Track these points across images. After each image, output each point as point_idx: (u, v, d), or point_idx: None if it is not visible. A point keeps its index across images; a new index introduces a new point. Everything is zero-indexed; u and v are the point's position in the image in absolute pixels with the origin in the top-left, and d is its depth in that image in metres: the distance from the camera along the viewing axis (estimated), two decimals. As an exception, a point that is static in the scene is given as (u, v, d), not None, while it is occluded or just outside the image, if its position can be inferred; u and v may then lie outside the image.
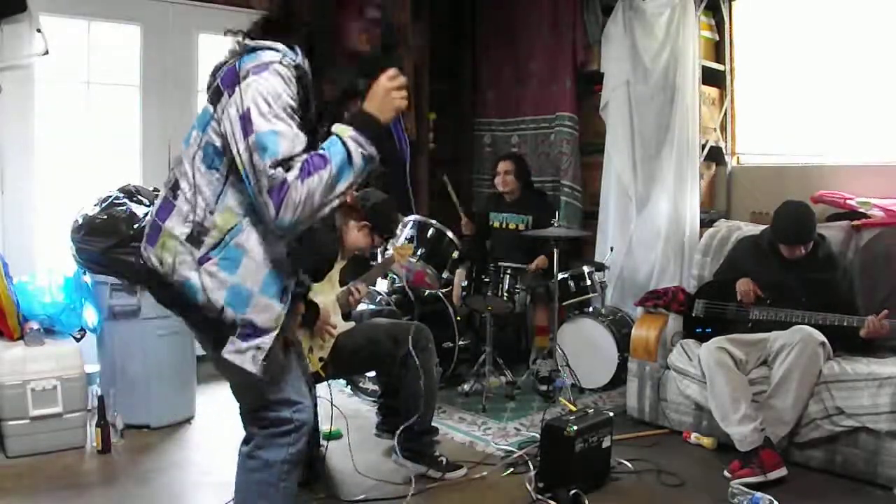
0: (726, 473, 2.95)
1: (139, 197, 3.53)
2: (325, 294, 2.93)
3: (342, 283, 3.07)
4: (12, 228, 3.84)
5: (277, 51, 1.75)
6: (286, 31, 1.80)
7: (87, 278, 3.46)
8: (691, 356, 3.38)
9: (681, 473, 3.01)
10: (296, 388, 1.93)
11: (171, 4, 4.31)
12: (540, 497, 2.77)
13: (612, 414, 2.96)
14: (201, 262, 1.76)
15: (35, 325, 3.31)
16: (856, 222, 3.54)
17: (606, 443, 2.90)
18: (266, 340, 1.80)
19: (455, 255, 4.22)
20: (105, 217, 3.37)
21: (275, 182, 1.65)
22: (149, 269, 1.85)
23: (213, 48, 4.51)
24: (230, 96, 1.72)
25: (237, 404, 1.98)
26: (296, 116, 1.73)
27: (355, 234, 3.06)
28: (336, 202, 1.73)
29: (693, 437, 3.38)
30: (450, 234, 4.20)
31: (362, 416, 3.67)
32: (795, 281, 3.26)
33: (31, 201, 3.92)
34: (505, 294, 3.96)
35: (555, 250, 3.95)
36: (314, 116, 1.85)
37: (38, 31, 3.75)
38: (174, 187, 1.83)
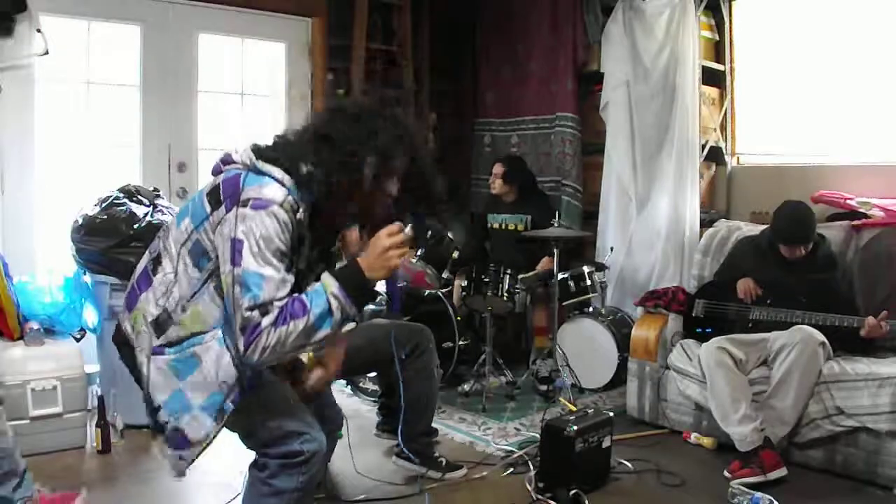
0: (726, 473, 2.95)
1: (139, 197, 3.55)
2: None
3: None
4: (12, 228, 3.84)
5: (283, 186, 1.75)
6: (306, 181, 1.78)
7: (87, 278, 3.46)
8: (691, 356, 3.38)
9: (681, 473, 3.01)
10: (299, 418, 1.91)
11: (171, 4, 4.31)
12: (540, 497, 2.77)
13: (612, 414, 2.96)
14: (154, 352, 1.79)
15: (35, 325, 3.31)
16: (856, 222, 3.54)
17: (606, 443, 2.90)
18: (191, 454, 1.81)
19: (455, 255, 4.22)
20: (105, 217, 3.38)
21: (248, 323, 1.67)
22: (122, 332, 1.90)
23: (213, 48, 4.53)
24: (227, 211, 1.73)
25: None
26: (285, 260, 1.73)
27: (354, 236, 3.02)
28: (311, 348, 1.77)
29: (693, 437, 3.38)
30: (449, 234, 4.20)
31: (362, 416, 3.67)
32: (795, 281, 3.26)
33: (31, 201, 3.92)
34: (505, 294, 3.97)
35: (555, 250, 3.95)
36: (310, 253, 1.87)
37: (38, 31, 3.75)
38: (157, 260, 1.85)
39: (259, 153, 1.83)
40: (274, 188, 1.74)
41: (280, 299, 1.69)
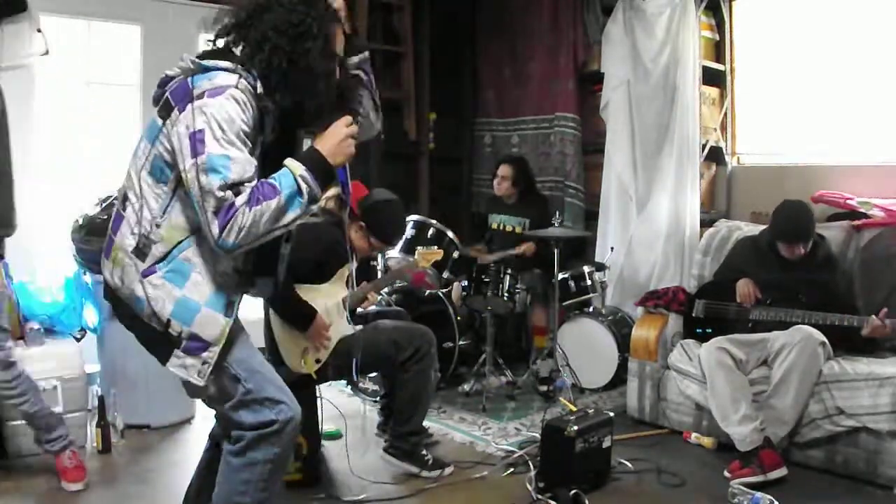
0: (726, 473, 2.95)
1: (139, 197, 3.54)
2: (331, 295, 2.90)
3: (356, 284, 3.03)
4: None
5: (234, 72, 1.74)
6: (249, 58, 1.77)
7: (87, 278, 3.46)
8: (691, 356, 3.38)
9: (681, 473, 3.02)
10: (277, 385, 1.91)
11: (171, 4, 4.30)
12: (540, 497, 2.77)
13: (612, 414, 2.96)
14: (145, 274, 1.78)
15: (35, 325, 3.31)
16: (856, 222, 3.54)
17: (606, 443, 2.90)
18: (211, 354, 1.81)
19: (455, 255, 4.22)
20: (105, 217, 3.35)
21: (223, 204, 1.67)
22: (105, 282, 1.88)
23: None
24: (180, 112, 1.72)
25: (214, 409, 1.98)
26: (248, 142, 1.73)
27: (354, 235, 3.02)
28: (279, 232, 1.75)
29: (693, 437, 3.38)
30: (450, 233, 4.20)
31: (362, 415, 3.67)
32: (795, 281, 3.26)
33: (31, 201, 3.91)
34: (505, 294, 3.97)
35: (555, 250, 3.95)
36: (269, 138, 1.85)
37: (39, 30, 3.75)
38: (124, 199, 1.85)
39: (199, 56, 1.83)
40: (225, 76, 1.73)
41: (249, 179, 1.70)
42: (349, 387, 4.04)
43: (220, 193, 1.66)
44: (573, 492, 2.68)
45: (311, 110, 1.83)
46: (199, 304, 1.79)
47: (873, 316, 3.01)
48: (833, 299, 3.19)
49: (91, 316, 3.48)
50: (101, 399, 3.23)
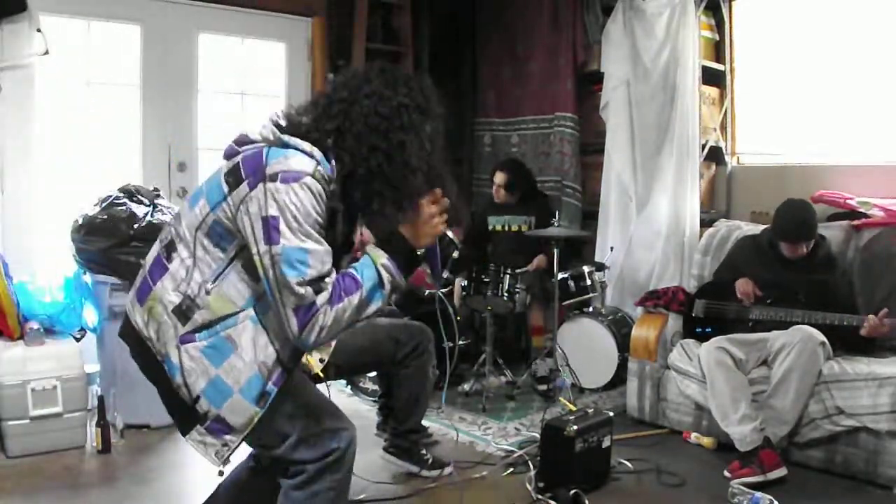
0: (726, 473, 2.95)
1: (139, 197, 3.55)
2: None
3: None
4: (12, 228, 3.84)
5: (312, 157, 1.66)
6: (336, 149, 1.70)
7: (87, 278, 3.46)
8: (691, 356, 3.38)
9: (681, 473, 3.02)
10: (333, 412, 1.86)
11: (171, 4, 4.31)
12: (540, 497, 2.77)
13: (612, 414, 2.96)
14: (183, 340, 1.70)
15: (35, 325, 3.31)
16: (856, 222, 3.54)
17: (606, 443, 2.90)
18: (234, 440, 1.74)
19: (455, 254, 4.21)
20: (105, 217, 3.38)
21: (303, 302, 1.59)
22: (131, 324, 1.80)
23: (213, 48, 4.53)
24: (251, 189, 1.62)
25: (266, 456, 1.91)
26: (322, 231, 1.65)
27: (367, 236, 3.05)
28: (360, 325, 1.68)
29: (693, 436, 3.39)
30: (450, 233, 4.19)
31: (362, 416, 3.67)
32: (795, 281, 3.26)
33: (31, 201, 3.92)
34: (505, 294, 3.97)
35: (555, 250, 3.95)
36: (341, 234, 1.79)
37: (38, 31, 3.75)
38: (170, 247, 1.75)
39: (280, 128, 1.74)
40: (302, 159, 1.64)
41: (329, 274, 1.63)
42: (349, 387, 4.05)
43: (300, 290, 1.59)
44: (573, 492, 2.68)
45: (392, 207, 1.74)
46: (232, 389, 1.70)
47: (872, 315, 3.01)
48: (833, 299, 3.20)
49: (91, 316, 3.48)
50: (101, 399, 3.23)
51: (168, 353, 1.71)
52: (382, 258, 1.69)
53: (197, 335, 1.70)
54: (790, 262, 3.29)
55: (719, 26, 4.54)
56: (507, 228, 4.71)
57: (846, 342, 3.11)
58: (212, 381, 1.69)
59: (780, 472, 2.89)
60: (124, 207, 3.43)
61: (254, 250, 1.63)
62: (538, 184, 5.04)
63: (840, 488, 2.90)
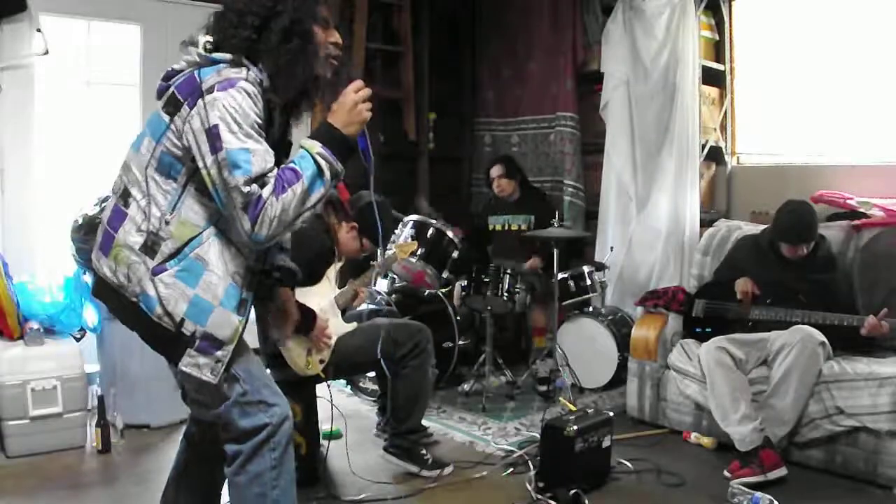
0: (726, 473, 2.95)
1: (139, 197, 3.54)
2: (323, 295, 2.93)
3: (342, 284, 3.07)
4: (12, 228, 3.84)
5: (241, 65, 1.74)
6: (252, 54, 1.78)
7: (87, 278, 3.46)
8: (691, 356, 3.38)
9: (681, 473, 3.01)
10: (271, 389, 1.90)
11: (171, 4, 4.31)
12: (540, 497, 2.77)
13: (612, 414, 2.96)
14: (156, 272, 1.75)
15: (35, 325, 3.31)
16: (856, 222, 3.54)
17: (606, 443, 2.90)
18: (225, 353, 1.80)
19: (455, 254, 4.22)
20: (105, 217, 3.38)
21: (250, 198, 1.67)
22: (100, 278, 1.84)
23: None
24: (191, 108, 1.71)
25: (204, 416, 1.95)
26: (262, 132, 1.73)
27: (344, 236, 3.04)
28: (307, 214, 1.76)
29: (693, 436, 3.39)
30: (449, 233, 4.20)
31: (362, 416, 3.67)
32: (795, 280, 3.26)
33: (31, 201, 3.92)
34: (505, 294, 3.97)
35: (555, 250, 3.95)
36: (279, 129, 1.87)
37: (38, 31, 3.75)
38: (124, 195, 1.82)
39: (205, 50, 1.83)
40: (232, 69, 1.73)
41: (271, 171, 1.70)
42: (349, 387, 4.05)
43: (246, 188, 1.66)
44: (573, 492, 2.68)
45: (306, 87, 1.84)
46: (212, 303, 1.77)
47: (871, 315, 3.01)
48: (833, 299, 3.20)
49: (91, 316, 3.48)
50: (101, 399, 3.23)
51: (144, 288, 1.76)
52: (317, 147, 1.76)
53: (167, 264, 1.76)
54: (790, 262, 3.29)
55: (719, 26, 4.54)
56: (507, 228, 4.71)
57: (846, 342, 3.11)
58: (192, 302, 1.76)
59: (780, 472, 2.89)
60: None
61: (201, 164, 1.70)
62: (538, 184, 5.05)
63: (840, 488, 2.90)
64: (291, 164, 1.74)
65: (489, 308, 4.01)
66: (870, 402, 2.85)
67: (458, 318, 4.17)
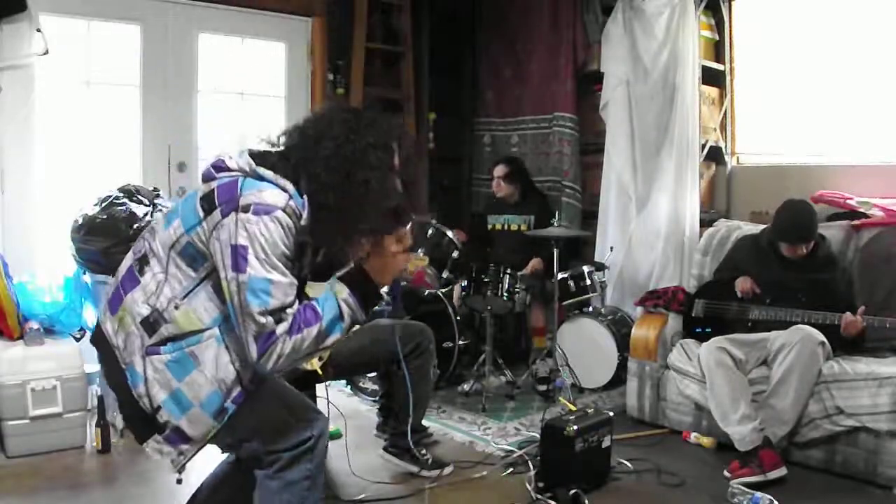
0: (726, 473, 2.95)
1: (139, 197, 3.54)
2: None
3: None
4: (12, 228, 3.84)
5: (285, 191, 1.72)
6: (303, 181, 1.75)
7: (87, 278, 3.46)
8: (691, 356, 3.38)
9: (681, 473, 3.01)
10: (304, 402, 1.92)
11: (171, 4, 4.31)
12: (540, 497, 2.77)
13: (611, 414, 2.96)
14: (149, 352, 1.75)
15: (35, 325, 3.31)
16: (856, 222, 3.54)
17: (606, 443, 2.90)
18: (191, 449, 1.80)
19: (455, 254, 4.22)
20: (105, 217, 3.38)
21: (263, 331, 1.66)
22: (103, 333, 1.85)
23: (213, 48, 4.53)
24: (223, 216, 1.69)
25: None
26: (289, 263, 1.72)
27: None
28: (317, 355, 1.78)
29: (693, 436, 3.39)
30: (450, 233, 4.21)
31: (362, 416, 3.67)
32: (795, 280, 3.26)
33: (31, 201, 3.92)
34: (505, 294, 3.97)
35: (555, 250, 3.95)
36: (313, 259, 1.86)
37: (38, 30, 3.75)
38: (143, 261, 1.81)
39: (256, 158, 1.80)
40: (275, 193, 1.71)
41: (291, 305, 1.69)
42: (349, 387, 4.05)
43: (262, 320, 1.65)
44: (573, 492, 2.68)
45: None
46: (192, 403, 1.76)
47: (848, 313, 3.02)
48: (833, 299, 3.20)
49: (91, 316, 3.47)
50: (101, 399, 3.23)
51: (133, 362, 1.77)
52: (344, 293, 1.75)
53: (162, 348, 1.76)
54: (790, 261, 3.29)
55: (719, 26, 4.54)
56: (506, 228, 4.71)
57: (845, 342, 3.11)
58: (173, 394, 1.75)
59: (780, 471, 2.89)
60: (124, 207, 3.42)
61: (222, 275, 1.70)
62: (538, 184, 5.05)
63: (840, 488, 2.90)
64: (314, 304, 1.73)
65: (489, 308, 4.01)
66: (870, 401, 2.85)
67: (458, 318, 4.17)
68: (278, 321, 1.67)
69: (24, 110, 3.86)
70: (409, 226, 1.85)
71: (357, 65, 4.95)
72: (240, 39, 4.65)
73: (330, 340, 1.74)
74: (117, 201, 3.46)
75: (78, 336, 3.44)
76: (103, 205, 3.44)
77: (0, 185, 3.82)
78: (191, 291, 1.75)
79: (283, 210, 1.70)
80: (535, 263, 4.41)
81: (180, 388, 1.75)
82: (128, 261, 1.86)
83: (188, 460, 1.81)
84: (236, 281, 1.66)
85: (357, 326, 1.80)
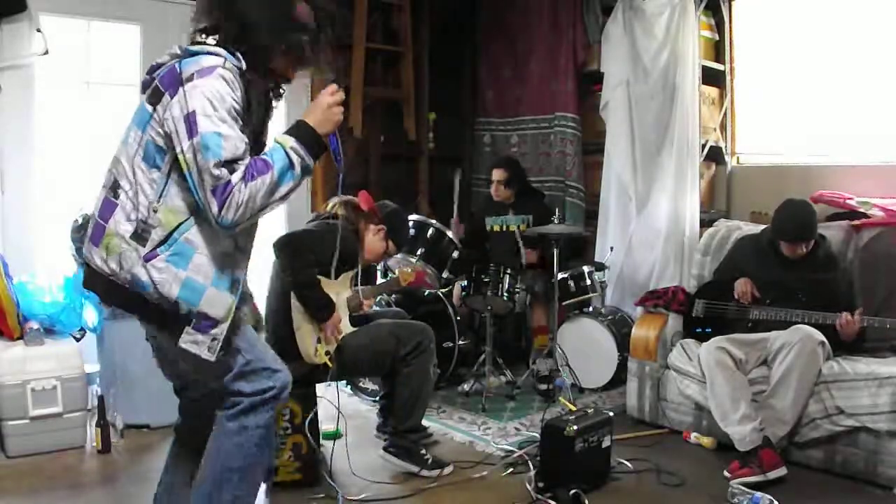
0: (726, 473, 2.95)
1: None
2: (338, 293, 2.97)
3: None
4: (12, 228, 3.84)
5: (219, 55, 1.80)
6: (233, 43, 1.84)
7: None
8: (691, 356, 3.38)
9: (681, 473, 3.02)
10: (272, 356, 2.00)
11: (171, 4, 4.30)
12: (540, 497, 2.77)
13: (612, 414, 2.96)
14: (147, 258, 1.81)
15: (35, 325, 3.31)
16: (856, 222, 3.54)
17: (606, 443, 2.90)
18: (220, 331, 1.86)
19: (455, 254, 4.22)
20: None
21: (219, 182, 1.73)
22: (92, 269, 1.89)
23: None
24: (172, 97, 1.77)
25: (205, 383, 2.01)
26: (239, 119, 1.79)
27: (371, 238, 3.11)
28: (275, 205, 1.81)
29: (693, 436, 3.39)
30: (449, 233, 4.20)
31: (362, 416, 3.67)
32: (795, 280, 3.26)
33: (31, 201, 3.92)
34: (505, 294, 3.97)
35: (555, 249, 3.95)
36: (258, 118, 1.93)
37: (38, 31, 3.75)
38: (114, 186, 1.88)
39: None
40: (210, 57, 1.80)
41: (242, 157, 1.75)
42: (349, 387, 4.05)
43: (216, 171, 1.72)
44: (573, 492, 2.68)
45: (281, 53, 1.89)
46: (204, 284, 1.83)
47: (846, 313, 3.02)
48: (833, 299, 3.20)
49: (91, 316, 3.48)
50: (101, 399, 3.23)
51: (135, 274, 1.81)
52: (290, 142, 1.83)
53: (158, 249, 1.81)
54: (790, 261, 3.29)
55: (719, 26, 4.54)
56: (504, 228, 4.71)
57: (840, 342, 3.11)
58: (184, 284, 1.81)
59: (780, 471, 2.89)
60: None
61: (178, 150, 1.76)
62: (538, 184, 5.05)
63: (840, 488, 2.90)
64: (263, 156, 1.80)
65: (489, 308, 4.01)
66: (870, 402, 2.85)
67: (458, 318, 4.17)
68: (231, 171, 1.73)
69: (24, 110, 3.85)
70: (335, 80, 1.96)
71: (357, 65, 4.95)
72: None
73: (283, 189, 1.80)
74: (117, 201, 3.46)
75: (78, 336, 3.44)
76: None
77: (0, 185, 3.82)
78: (163, 190, 1.82)
79: (223, 66, 1.78)
80: (529, 255, 4.38)
81: (189, 276, 1.81)
82: (100, 195, 1.92)
83: (220, 344, 1.86)
84: (192, 147, 1.73)
85: (303, 173, 1.85)
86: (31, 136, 3.90)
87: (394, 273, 3.60)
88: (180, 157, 1.76)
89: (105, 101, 4.22)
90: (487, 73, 5.67)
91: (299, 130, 1.87)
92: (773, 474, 2.87)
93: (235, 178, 1.73)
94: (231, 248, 1.88)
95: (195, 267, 1.82)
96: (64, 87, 4.07)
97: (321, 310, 2.82)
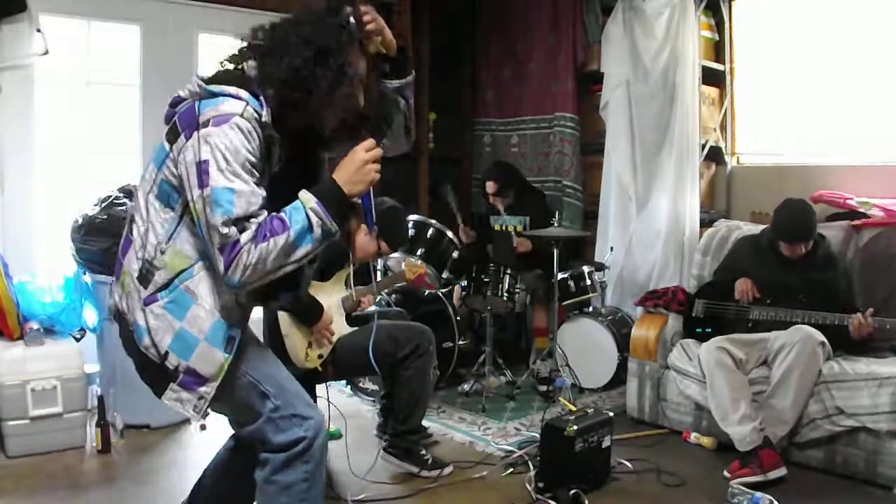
0: (726, 473, 2.95)
1: (139, 197, 3.54)
2: (330, 295, 2.95)
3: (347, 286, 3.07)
4: (12, 228, 3.84)
5: (240, 99, 1.70)
6: (262, 87, 1.73)
7: (87, 278, 3.46)
8: (691, 356, 3.38)
9: (681, 473, 3.02)
10: (304, 401, 1.87)
11: (171, 4, 4.31)
12: (540, 497, 2.77)
13: (612, 414, 2.96)
14: (147, 302, 1.74)
15: (35, 325, 3.31)
16: (856, 222, 3.54)
17: (606, 443, 2.90)
18: (208, 390, 1.78)
19: (455, 254, 4.22)
20: (105, 217, 3.39)
21: (227, 241, 1.63)
22: (115, 306, 1.85)
23: (214, 48, 4.52)
24: (187, 139, 1.67)
25: (240, 432, 1.93)
26: (255, 172, 1.68)
27: (362, 239, 3.06)
28: (290, 268, 1.69)
29: (693, 436, 3.39)
30: (449, 233, 4.20)
31: (362, 416, 3.67)
32: (795, 280, 3.26)
33: (31, 201, 3.92)
34: (505, 294, 3.97)
35: (555, 250, 3.95)
36: (278, 166, 1.81)
37: (38, 31, 3.75)
38: (130, 221, 1.82)
39: (207, 80, 1.78)
40: (231, 102, 1.69)
41: (256, 215, 1.65)
42: (349, 387, 4.05)
43: (224, 230, 1.62)
44: (573, 492, 2.68)
45: (323, 135, 1.79)
46: (197, 338, 1.74)
47: (858, 314, 3.01)
48: (833, 299, 3.20)
49: (91, 316, 3.48)
50: (101, 399, 3.23)
51: (136, 318, 1.77)
52: (311, 202, 1.68)
53: (158, 294, 1.75)
54: (790, 261, 3.29)
55: (719, 26, 4.54)
56: (504, 228, 4.70)
57: (845, 342, 3.11)
58: (177, 334, 1.74)
59: (780, 472, 2.89)
60: (124, 207, 3.43)
61: (189, 197, 1.67)
62: (538, 184, 5.04)
63: (840, 488, 2.90)
64: (282, 214, 1.67)
65: (489, 308, 4.01)
66: (870, 402, 2.85)
67: (458, 318, 4.17)
68: (242, 230, 1.63)
69: (24, 110, 3.85)
70: (373, 139, 1.81)
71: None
72: (240, 39, 4.64)
73: (299, 253, 1.67)
74: (117, 201, 3.47)
75: (78, 336, 3.44)
76: (103, 205, 3.45)
77: (0, 185, 3.82)
78: (173, 231, 1.74)
79: (241, 115, 1.67)
80: (524, 244, 4.35)
81: (183, 327, 1.73)
82: (124, 231, 1.87)
83: (208, 404, 1.79)
84: (202, 198, 1.63)
85: (324, 237, 1.71)
86: (31, 136, 3.90)
87: (393, 273, 3.58)
88: (191, 204, 1.67)
89: (105, 101, 4.22)
90: (487, 73, 5.67)
91: (325, 190, 1.71)
92: (773, 474, 2.87)
93: (245, 237, 1.62)
94: (231, 303, 1.78)
95: (191, 318, 1.73)
96: (64, 87, 4.07)
97: (308, 315, 2.78)
